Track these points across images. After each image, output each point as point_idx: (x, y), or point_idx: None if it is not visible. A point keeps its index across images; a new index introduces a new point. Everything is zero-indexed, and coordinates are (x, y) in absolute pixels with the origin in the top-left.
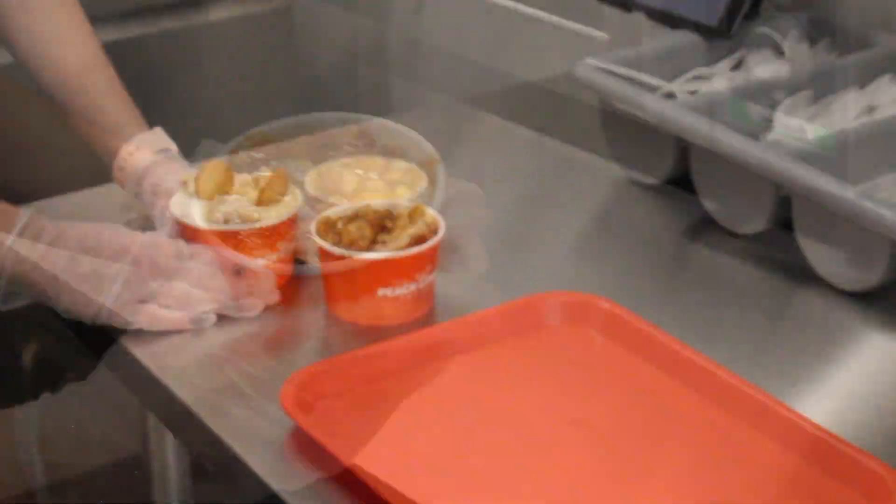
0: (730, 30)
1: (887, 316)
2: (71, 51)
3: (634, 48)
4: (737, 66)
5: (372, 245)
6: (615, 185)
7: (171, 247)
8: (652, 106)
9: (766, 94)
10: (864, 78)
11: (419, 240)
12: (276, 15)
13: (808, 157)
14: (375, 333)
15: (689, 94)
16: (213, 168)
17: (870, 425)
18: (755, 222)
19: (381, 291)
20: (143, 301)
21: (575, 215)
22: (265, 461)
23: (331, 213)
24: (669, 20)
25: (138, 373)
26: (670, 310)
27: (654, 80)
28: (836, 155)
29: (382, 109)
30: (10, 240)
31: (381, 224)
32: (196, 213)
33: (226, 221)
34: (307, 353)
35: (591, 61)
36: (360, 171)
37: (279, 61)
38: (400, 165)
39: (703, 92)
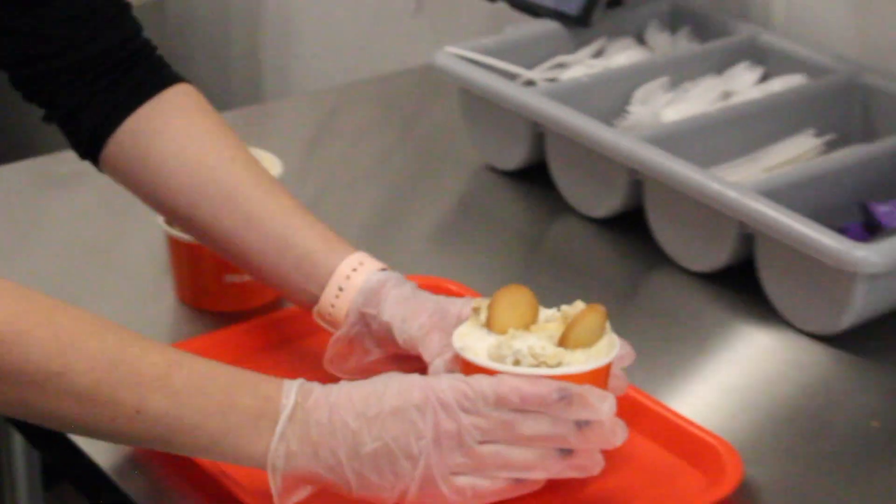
0: (590, 18)
1: (736, 296)
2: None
3: (496, 36)
4: (598, 55)
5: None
6: (474, 172)
7: (465, 399)
8: (508, 93)
9: (625, 82)
10: (722, 65)
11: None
12: (149, 9)
13: (659, 141)
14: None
15: (549, 82)
16: (513, 295)
17: (717, 406)
18: (608, 206)
19: (227, 278)
20: (454, 473)
21: (434, 202)
22: (108, 454)
23: None
24: (531, 9)
25: None
26: None
27: (514, 68)
28: (689, 139)
29: (255, 100)
30: (274, 440)
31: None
32: (481, 348)
33: (516, 363)
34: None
35: (451, 49)
36: None
37: None
38: (255, 152)
39: (563, 79)
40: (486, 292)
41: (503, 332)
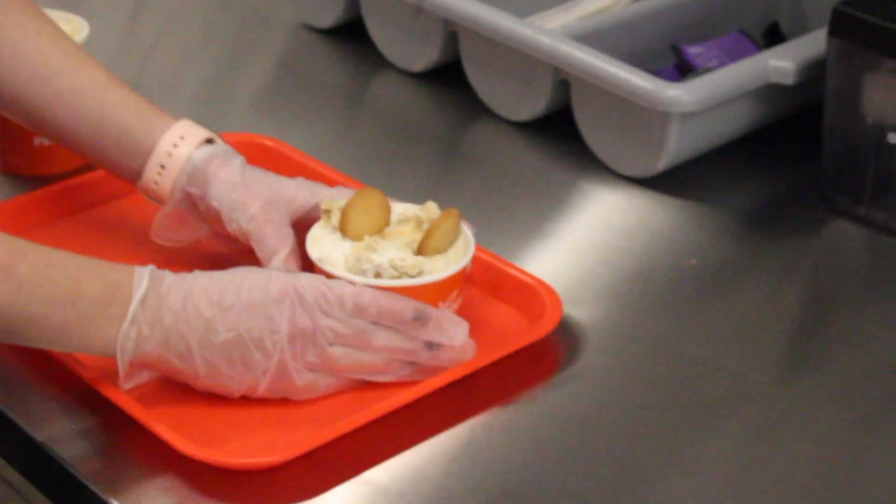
0: None
1: (554, 144)
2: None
3: None
4: None
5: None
6: (294, 30)
7: (325, 303)
8: None
9: None
10: None
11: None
12: None
13: None
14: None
15: None
16: (366, 200)
17: (539, 250)
18: (426, 59)
19: (37, 140)
20: (305, 369)
21: (256, 64)
22: None
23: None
24: None
25: None
26: (342, 148)
27: None
28: None
29: None
30: (125, 324)
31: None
32: (339, 258)
33: (377, 275)
34: None
35: None
36: None
37: None
38: (60, 15)
39: None
40: (305, 149)
41: (358, 238)
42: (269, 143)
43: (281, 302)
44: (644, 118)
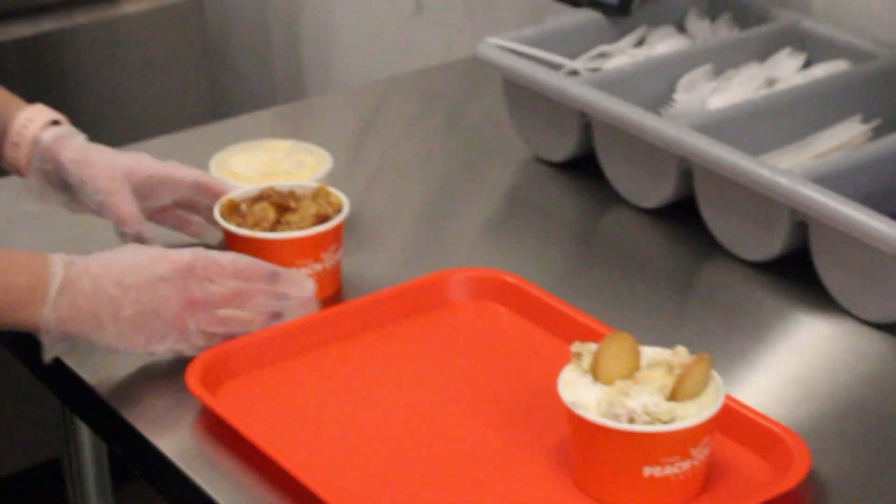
0: (630, 7)
1: (793, 284)
2: None
3: (537, 27)
4: (639, 43)
5: (276, 226)
6: (524, 164)
7: (213, 270)
8: (554, 83)
9: (668, 70)
10: (764, 52)
11: (323, 219)
12: (188, 6)
13: (707, 129)
14: None
15: (592, 72)
16: (617, 344)
17: (780, 395)
18: (659, 196)
19: None
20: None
21: (485, 195)
22: (174, 444)
23: (234, 195)
24: None
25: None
26: (578, 284)
27: (557, 58)
28: (736, 127)
29: (297, 95)
30: (46, 309)
31: (285, 205)
32: (591, 402)
33: (630, 420)
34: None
35: (493, 41)
36: (264, 154)
37: (192, 53)
38: (306, 147)
39: (606, 69)
40: (541, 284)
41: (609, 382)
42: (510, 279)
43: (172, 279)
44: (886, 264)
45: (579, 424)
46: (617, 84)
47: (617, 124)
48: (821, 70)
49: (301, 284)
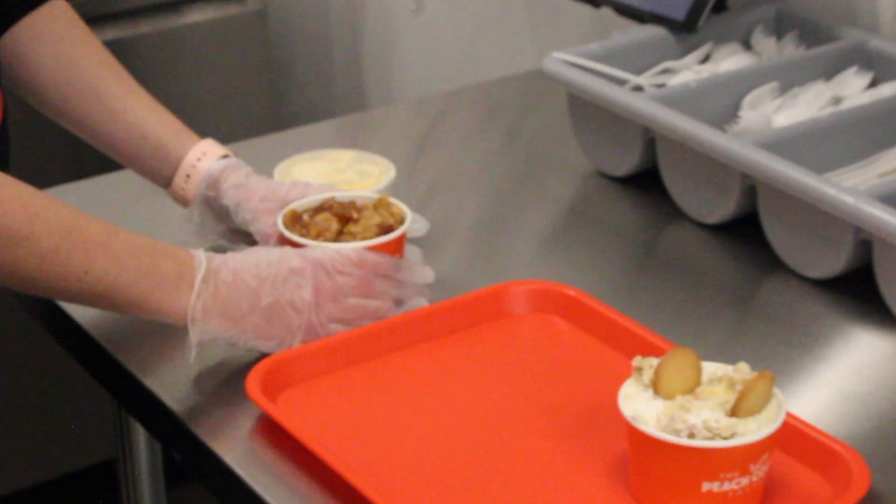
0: (696, 23)
1: (854, 302)
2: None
3: (602, 42)
4: (705, 60)
5: (339, 236)
6: (585, 178)
7: (340, 262)
8: (619, 98)
9: (734, 87)
10: (830, 70)
11: (386, 229)
12: (251, 17)
13: (772, 146)
14: None
15: (657, 88)
16: (679, 359)
17: (840, 413)
18: (722, 212)
19: None
20: (328, 321)
21: (545, 208)
22: (232, 450)
23: (296, 205)
24: (637, 15)
25: (104, 363)
26: (639, 299)
27: (622, 74)
28: (801, 145)
29: (357, 107)
30: (192, 297)
31: (347, 216)
32: (651, 416)
33: (690, 435)
34: None
35: (558, 55)
36: (328, 164)
37: (255, 63)
38: (370, 157)
39: (671, 85)
40: (601, 297)
41: (670, 397)
42: (570, 292)
43: (304, 270)
44: None
45: (639, 438)
46: (682, 100)
47: (681, 140)
48: (888, 89)
49: (419, 271)
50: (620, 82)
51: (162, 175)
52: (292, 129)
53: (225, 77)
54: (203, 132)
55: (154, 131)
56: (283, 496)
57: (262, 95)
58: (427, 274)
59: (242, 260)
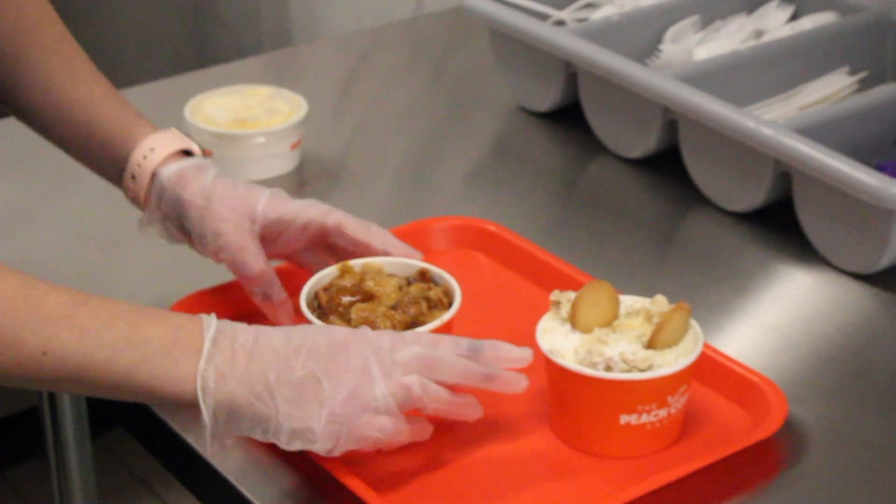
0: None
1: (774, 235)
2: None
3: None
4: None
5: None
6: (509, 114)
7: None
8: (540, 33)
9: (656, 21)
10: (752, 3)
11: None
12: None
13: (693, 79)
14: None
15: (579, 22)
16: (596, 293)
17: (759, 345)
18: (643, 146)
19: None
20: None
21: (470, 145)
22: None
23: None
24: None
25: None
26: (561, 234)
27: (544, 8)
28: (721, 78)
29: (284, 45)
30: (202, 361)
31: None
32: (568, 350)
33: (607, 368)
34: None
35: None
36: (240, 99)
37: (179, 0)
38: (284, 94)
39: (593, 19)
40: (524, 233)
41: (588, 330)
42: (491, 227)
43: (348, 344)
44: (868, 214)
45: (556, 372)
46: (603, 34)
47: (602, 74)
48: (808, 22)
49: (510, 356)
50: (543, 17)
51: (110, 174)
52: (216, 67)
53: (149, 15)
54: (127, 70)
55: (101, 127)
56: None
57: (186, 33)
58: (525, 353)
59: (267, 328)
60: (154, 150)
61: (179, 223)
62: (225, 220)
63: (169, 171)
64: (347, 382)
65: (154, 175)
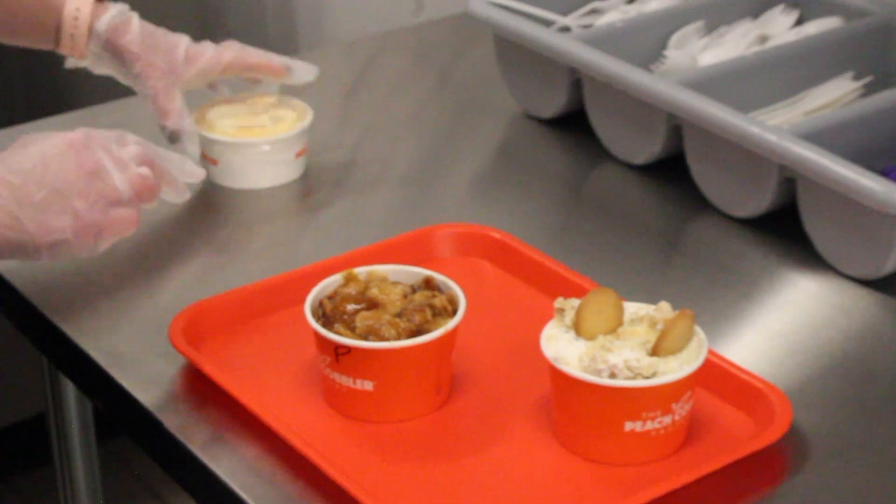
0: None
1: (779, 241)
2: None
3: None
4: (632, 0)
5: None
6: (513, 120)
7: (101, 152)
8: (544, 39)
9: (660, 27)
10: (757, 9)
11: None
12: None
13: (697, 85)
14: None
15: (584, 28)
16: (600, 300)
17: (764, 351)
18: (649, 152)
19: None
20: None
21: (475, 151)
22: (156, 398)
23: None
24: None
25: (25, 310)
26: (566, 240)
27: (548, 15)
28: (726, 84)
29: (290, 51)
30: None
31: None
32: (573, 358)
33: (611, 375)
34: (193, 289)
35: None
36: (246, 107)
37: (186, 6)
38: (290, 101)
39: (597, 25)
40: (528, 240)
41: (592, 338)
42: (495, 235)
43: (78, 147)
44: (873, 220)
45: (561, 380)
46: (608, 40)
47: (606, 80)
48: (813, 27)
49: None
50: (547, 23)
51: (43, 42)
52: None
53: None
54: None
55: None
56: (210, 446)
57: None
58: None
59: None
60: (80, 10)
61: (115, 61)
62: (155, 66)
63: (103, 25)
64: (88, 184)
65: (91, 29)
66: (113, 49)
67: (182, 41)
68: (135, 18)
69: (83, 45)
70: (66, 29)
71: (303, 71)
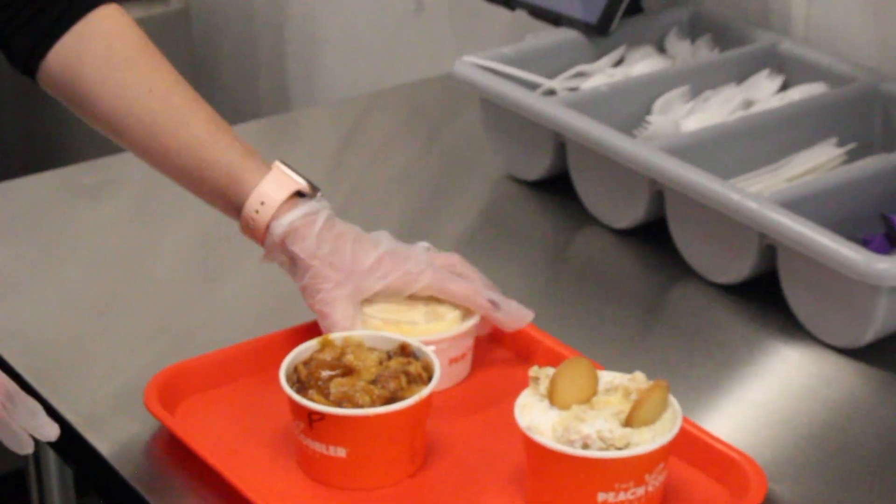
0: (609, 27)
1: (759, 308)
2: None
3: (516, 45)
4: (619, 63)
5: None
6: (498, 182)
7: None
8: (529, 103)
9: (646, 91)
10: (742, 73)
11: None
12: (175, 16)
13: (679, 151)
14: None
15: (570, 91)
16: (574, 369)
17: (742, 421)
18: (631, 217)
19: None
20: None
21: (459, 213)
22: (129, 462)
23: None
24: (551, 17)
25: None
26: (547, 304)
27: (534, 77)
28: (709, 149)
29: (282, 108)
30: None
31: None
32: (546, 427)
33: (584, 446)
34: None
35: (470, 59)
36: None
37: (178, 63)
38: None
39: (583, 89)
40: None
41: (566, 407)
42: None
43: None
44: (853, 289)
45: (535, 449)
46: (592, 104)
47: (589, 145)
48: (798, 92)
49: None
50: (533, 86)
51: (230, 213)
52: None
53: None
54: None
55: (211, 175)
56: None
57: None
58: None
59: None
60: (264, 204)
61: (289, 264)
62: (325, 278)
63: (281, 226)
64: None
65: (268, 227)
66: (287, 252)
67: (374, 250)
68: (319, 220)
69: (261, 240)
70: (245, 220)
71: (517, 314)
